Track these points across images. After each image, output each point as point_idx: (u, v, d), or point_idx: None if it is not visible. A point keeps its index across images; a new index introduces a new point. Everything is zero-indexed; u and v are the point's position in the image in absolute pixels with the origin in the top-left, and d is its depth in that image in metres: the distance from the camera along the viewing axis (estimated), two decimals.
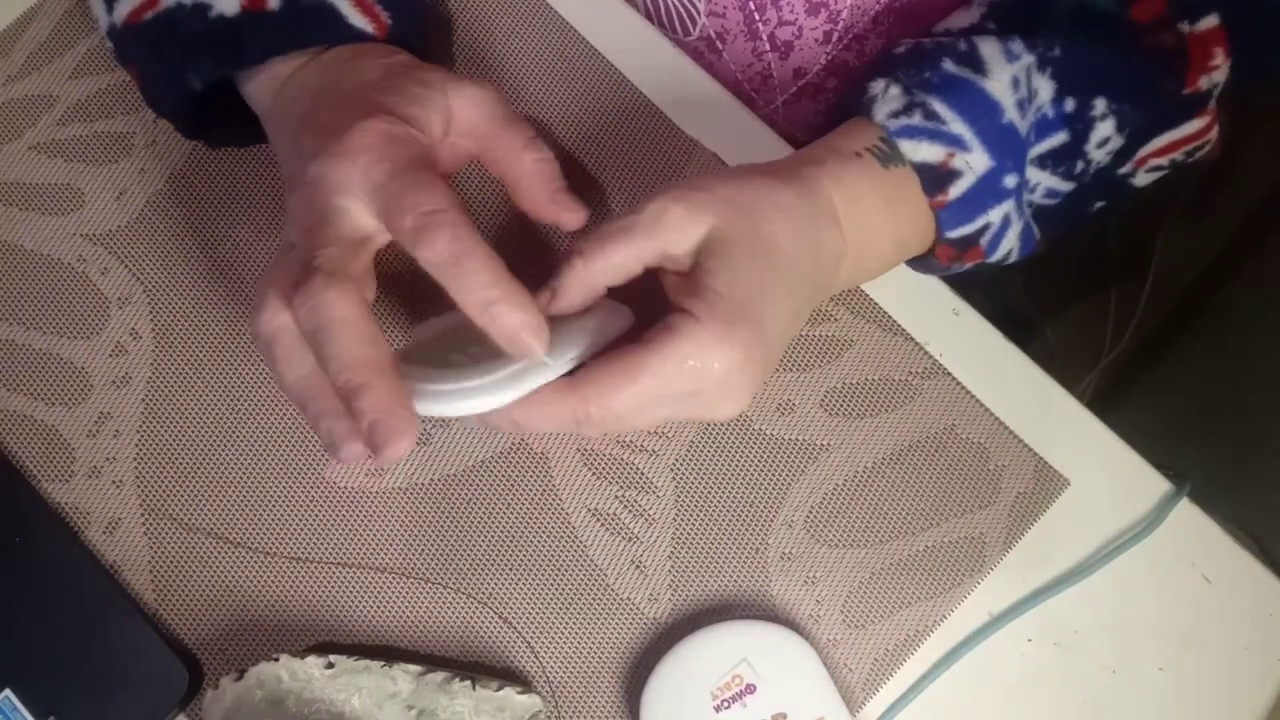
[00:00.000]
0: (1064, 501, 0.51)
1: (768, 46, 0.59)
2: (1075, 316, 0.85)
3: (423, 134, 0.44)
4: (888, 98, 0.46)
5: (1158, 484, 0.52)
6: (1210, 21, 0.48)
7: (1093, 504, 0.51)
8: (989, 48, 0.47)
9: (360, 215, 0.42)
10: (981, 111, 0.46)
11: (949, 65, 0.47)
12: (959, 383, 0.52)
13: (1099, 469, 0.52)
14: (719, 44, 0.60)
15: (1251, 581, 0.51)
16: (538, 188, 0.47)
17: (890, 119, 0.46)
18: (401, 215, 0.40)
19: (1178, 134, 0.50)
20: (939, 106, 0.46)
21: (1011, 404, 0.52)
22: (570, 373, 0.43)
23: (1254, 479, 0.84)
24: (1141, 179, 0.52)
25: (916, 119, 0.46)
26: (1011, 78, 0.46)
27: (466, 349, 0.45)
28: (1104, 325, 0.84)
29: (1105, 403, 0.90)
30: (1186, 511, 0.51)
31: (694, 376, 0.41)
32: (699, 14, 0.59)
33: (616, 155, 0.55)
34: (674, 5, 0.59)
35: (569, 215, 0.47)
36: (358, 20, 0.48)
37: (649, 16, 0.60)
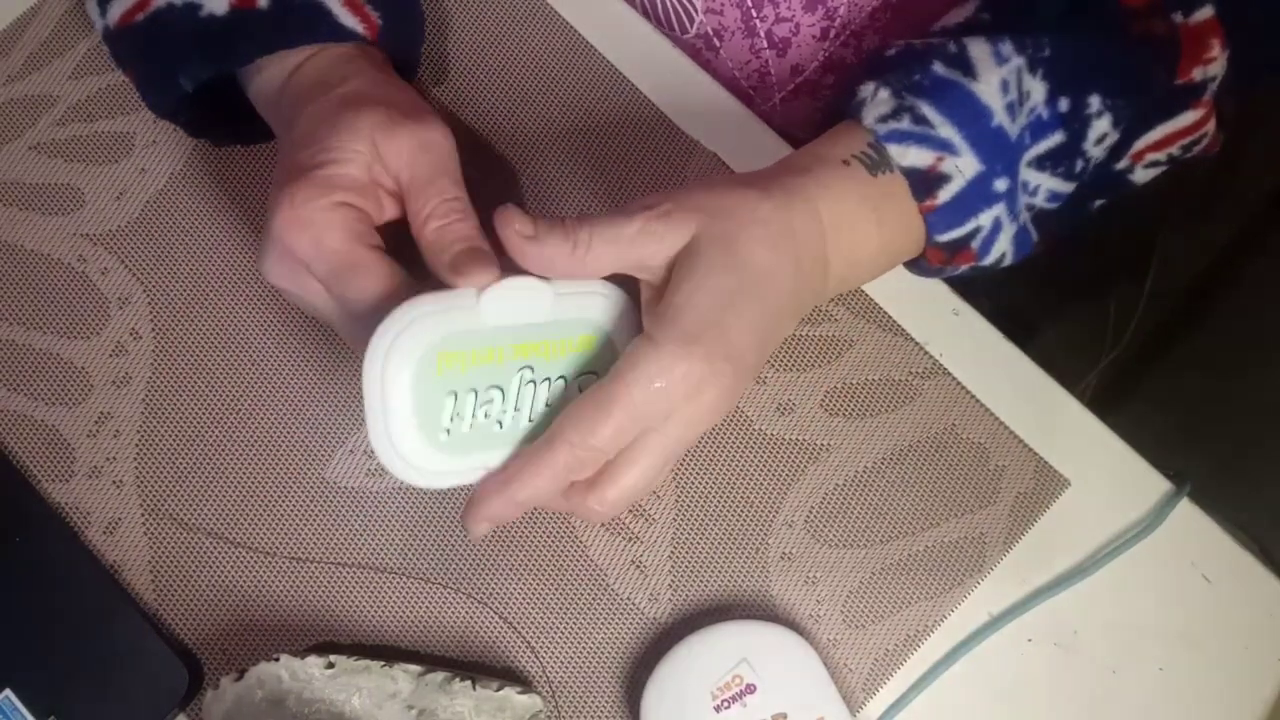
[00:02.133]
0: (1064, 501, 0.51)
1: (765, 44, 0.59)
2: (1075, 316, 0.85)
3: (345, 188, 0.44)
4: (876, 101, 0.46)
5: (1158, 484, 0.52)
6: (1205, 13, 0.48)
7: (1093, 504, 0.51)
8: (978, 49, 0.47)
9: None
10: (971, 115, 0.46)
11: (938, 68, 0.46)
12: (959, 383, 0.52)
13: (1099, 469, 0.52)
14: (716, 41, 0.60)
15: (1251, 581, 0.51)
16: (434, 258, 0.44)
17: (879, 123, 0.46)
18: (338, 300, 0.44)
19: (1173, 126, 0.50)
20: (927, 110, 0.46)
21: (1011, 404, 0.52)
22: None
23: (1254, 479, 0.84)
24: (1140, 175, 0.52)
25: (905, 123, 0.46)
26: (1001, 80, 0.46)
27: None
28: (1104, 325, 0.84)
29: (1105, 403, 0.90)
30: (1186, 511, 0.51)
31: (663, 398, 0.41)
32: (696, 11, 0.59)
33: (616, 155, 0.55)
34: (671, 3, 0.59)
35: (463, 281, 0.43)
36: (347, 19, 0.48)
37: (646, 14, 0.60)
